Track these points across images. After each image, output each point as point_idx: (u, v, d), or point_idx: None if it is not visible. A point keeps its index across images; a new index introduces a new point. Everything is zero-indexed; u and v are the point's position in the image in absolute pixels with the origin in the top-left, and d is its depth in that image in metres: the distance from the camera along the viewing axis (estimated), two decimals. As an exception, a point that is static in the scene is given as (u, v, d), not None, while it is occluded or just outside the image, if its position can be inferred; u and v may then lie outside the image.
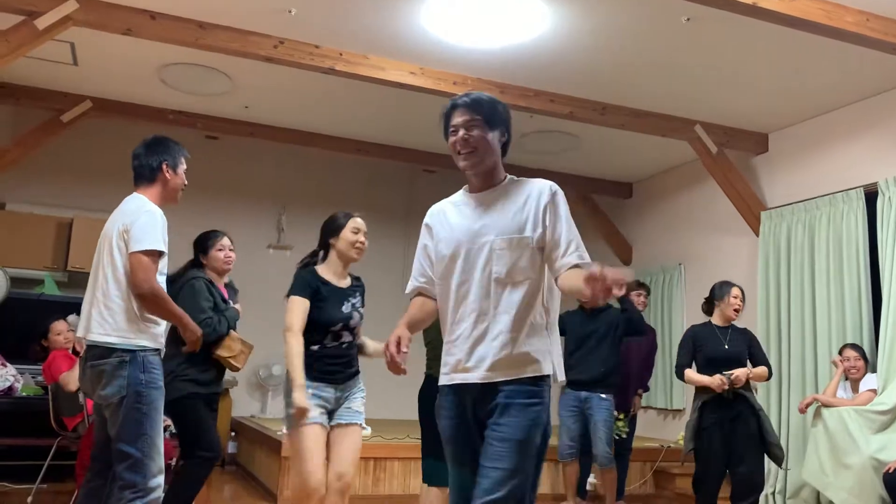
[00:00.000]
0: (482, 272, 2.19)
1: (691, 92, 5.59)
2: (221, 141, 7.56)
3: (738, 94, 5.59)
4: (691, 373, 4.36)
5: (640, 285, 5.72)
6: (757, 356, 4.42)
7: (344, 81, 5.42)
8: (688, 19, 4.50)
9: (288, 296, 3.13)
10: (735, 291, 4.46)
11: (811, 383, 5.56)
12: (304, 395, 2.98)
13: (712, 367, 4.27)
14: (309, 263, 3.27)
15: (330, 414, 3.15)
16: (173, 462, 4.50)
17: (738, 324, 4.53)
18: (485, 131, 2.24)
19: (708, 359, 4.31)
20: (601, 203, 8.28)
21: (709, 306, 4.56)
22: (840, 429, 4.68)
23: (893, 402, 4.71)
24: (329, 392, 3.14)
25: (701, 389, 4.33)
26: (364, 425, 3.23)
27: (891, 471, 4.39)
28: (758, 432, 4.20)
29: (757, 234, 6.23)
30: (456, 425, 2.21)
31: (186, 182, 3.21)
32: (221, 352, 3.66)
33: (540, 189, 2.26)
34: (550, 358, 2.19)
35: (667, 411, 7.26)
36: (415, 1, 4.47)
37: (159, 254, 2.95)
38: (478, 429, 2.16)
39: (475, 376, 2.15)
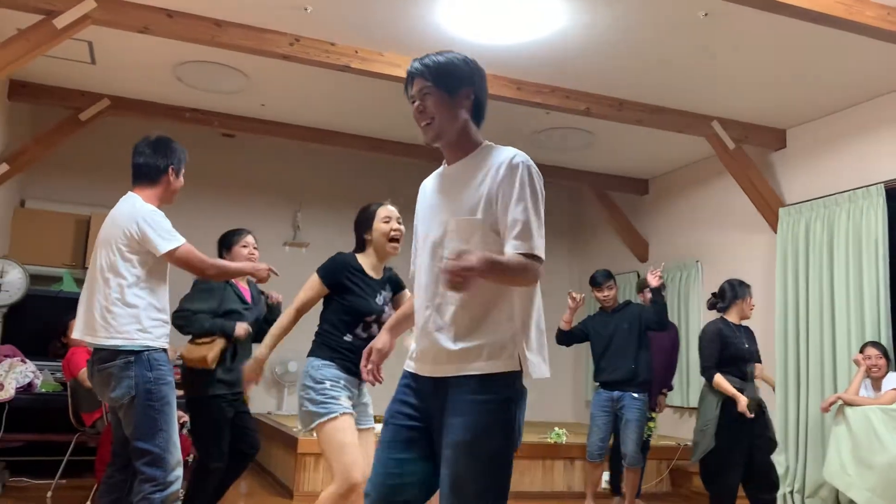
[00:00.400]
0: (434, 256, 1.98)
1: (708, 88, 5.55)
2: (237, 139, 7.59)
3: (755, 89, 5.54)
4: (721, 379, 4.32)
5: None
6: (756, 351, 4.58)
7: (359, 79, 5.42)
8: (705, 14, 4.46)
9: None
10: (752, 292, 4.62)
11: (830, 382, 5.51)
12: (260, 365, 3.05)
13: (734, 364, 4.35)
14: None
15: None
16: (190, 458, 4.53)
17: (761, 322, 4.83)
18: (440, 97, 1.99)
19: (731, 357, 4.35)
20: (618, 199, 8.24)
21: (724, 304, 4.55)
22: (865, 428, 4.62)
23: None
24: (354, 389, 3.02)
25: (712, 394, 4.38)
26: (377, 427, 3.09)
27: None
28: (765, 429, 4.34)
29: (775, 231, 6.18)
30: (396, 408, 2.01)
31: (182, 184, 3.20)
32: (185, 352, 3.70)
33: (500, 161, 1.96)
34: (516, 351, 1.91)
35: (683, 409, 7.22)
36: (430, -2, 4.46)
37: (186, 246, 2.98)
38: (425, 426, 1.96)
39: (426, 369, 1.97)
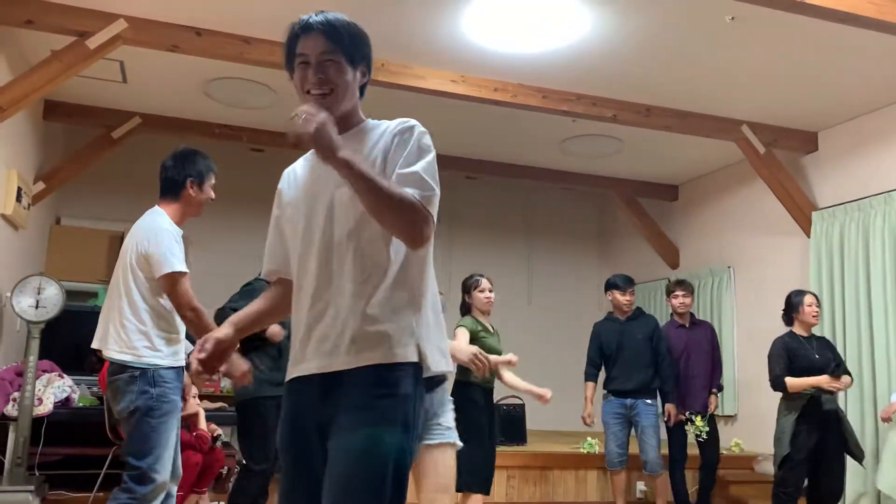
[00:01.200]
0: (322, 234, 1.76)
1: (737, 92, 5.49)
2: (266, 153, 7.66)
3: (785, 92, 5.48)
4: (793, 379, 4.41)
5: (678, 284, 5.51)
6: (841, 365, 4.51)
7: (386, 91, 5.46)
8: (732, 18, 4.42)
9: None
10: (808, 299, 4.60)
11: (869, 389, 5.39)
12: None
13: (816, 371, 4.39)
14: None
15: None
16: (225, 471, 4.57)
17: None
18: (345, 69, 1.80)
19: (802, 369, 4.41)
20: (647, 206, 8.17)
21: (787, 317, 4.68)
22: None
23: None
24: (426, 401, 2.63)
25: (794, 398, 4.42)
26: (457, 442, 2.70)
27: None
28: (842, 439, 4.35)
29: (808, 236, 6.08)
30: (289, 435, 1.76)
31: (213, 196, 3.16)
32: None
33: (390, 128, 1.81)
34: (416, 342, 1.70)
35: (719, 417, 7.11)
36: (455, 9, 4.48)
37: (185, 274, 2.95)
38: (319, 438, 1.69)
39: (312, 366, 1.72)
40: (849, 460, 4.54)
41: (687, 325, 5.48)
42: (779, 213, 6.35)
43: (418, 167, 1.71)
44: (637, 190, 8.00)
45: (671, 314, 5.63)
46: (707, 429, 5.25)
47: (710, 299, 7.28)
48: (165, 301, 2.97)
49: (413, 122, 1.82)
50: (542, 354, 8.48)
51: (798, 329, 4.61)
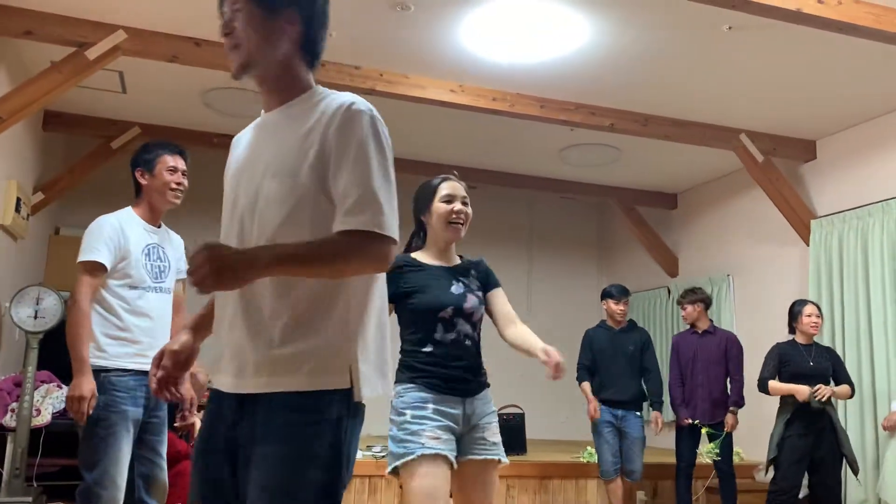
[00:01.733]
0: (241, 230, 1.54)
1: (735, 100, 5.51)
2: (265, 162, 7.67)
3: (783, 101, 5.49)
4: (776, 383, 4.60)
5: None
6: (840, 374, 4.60)
7: (385, 101, 5.47)
8: (729, 28, 4.44)
9: None
10: (808, 309, 4.69)
11: (868, 397, 5.38)
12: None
13: (796, 382, 4.51)
14: (407, 249, 2.64)
15: (458, 440, 2.39)
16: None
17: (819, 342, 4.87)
18: (253, 15, 1.52)
19: (792, 374, 4.55)
20: (646, 214, 8.18)
21: (790, 326, 4.81)
22: None
23: None
24: (456, 408, 2.41)
25: (785, 403, 4.57)
26: (504, 458, 2.49)
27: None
28: (837, 447, 4.40)
29: (807, 244, 6.08)
30: (204, 447, 1.56)
31: (174, 181, 2.92)
32: None
33: (335, 107, 1.50)
34: (347, 362, 1.46)
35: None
36: (453, 18, 4.50)
37: (99, 266, 2.75)
38: (230, 459, 1.49)
39: (228, 383, 1.52)
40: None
41: (699, 333, 5.42)
42: (778, 221, 6.35)
43: (367, 183, 1.44)
44: (636, 198, 8.01)
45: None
46: (717, 450, 5.19)
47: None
48: (112, 298, 2.82)
49: (360, 104, 1.51)
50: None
51: (799, 338, 4.72)
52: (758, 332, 6.65)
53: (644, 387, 5.21)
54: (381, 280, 1.58)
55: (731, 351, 5.31)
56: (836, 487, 4.46)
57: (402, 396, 2.40)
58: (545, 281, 8.89)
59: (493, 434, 2.47)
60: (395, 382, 2.45)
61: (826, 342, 5.76)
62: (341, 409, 1.46)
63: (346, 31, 4.67)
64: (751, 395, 6.80)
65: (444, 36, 4.70)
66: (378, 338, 1.55)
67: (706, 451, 5.21)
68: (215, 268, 1.31)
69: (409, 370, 2.45)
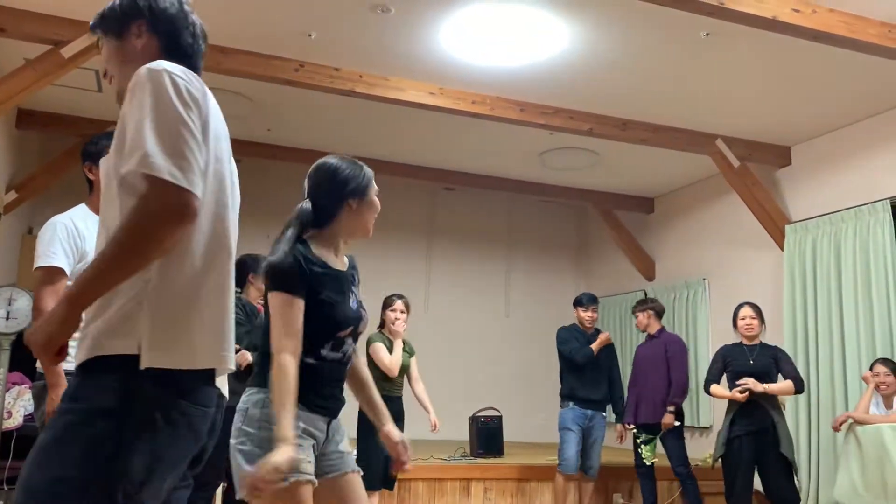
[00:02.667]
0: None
1: (712, 106, 5.57)
2: (244, 163, 7.60)
3: (759, 107, 5.56)
4: (716, 387, 4.79)
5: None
6: (784, 370, 4.66)
7: (365, 102, 5.46)
8: (707, 34, 4.49)
9: (273, 289, 2.07)
10: (742, 312, 4.80)
11: (840, 399, 5.46)
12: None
13: (735, 377, 4.66)
14: (295, 238, 2.18)
15: (316, 459, 2.13)
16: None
17: (770, 341, 4.90)
18: (110, 47, 1.61)
19: (735, 373, 4.68)
20: (623, 218, 8.24)
21: (734, 327, 4.94)
22: (876, 446, 4.58)
23: None
24: (321, 429, 2.14)
25: (731, 403, 4.70)
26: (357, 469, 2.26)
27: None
28: (777, 447, 4.49)
29: (782, 248, 6.16)
30: None
31: None
32: None
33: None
34: (136, 329, 1.34)
35: (693, 429, 7.16)
36: (433, 22, 4.50)
37: (58, 271, 2.62)
38: None
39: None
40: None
41: (644, 341, 5.65)
42: (753, 226, 6.43)
43: (139, 127, 1.33)
44: (614, 202, 8.07)
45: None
46: (650, 454, 5.41)
47: (685, 311, 7.34)
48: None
49: (145, 69, 1.41)
50: (519, 366, 8.50)
51: (743, 339, 4.82)
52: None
53: (610, 395, 5.47)
54: (222, 241, 1.53)
55: (669, 351, 5.44)
56: (786, 489, 4.51)
57: (264, 407, 2.02)
58: (523, 283, 8.92)
59: (347, 445, 2.26)
60: (254, 386, 2.10)
61: (800, 344, 5.85)
62: (123, 382, 1.31)
63: (325, 33, 4.66)
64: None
65: (424, 39, 4.70)
66: (184, 301, 1.40)
67: (643, 456, 5.39)
68: (37, 348, 1.31)
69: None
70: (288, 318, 2.02)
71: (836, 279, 5.65)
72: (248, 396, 2.08)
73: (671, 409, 5.34)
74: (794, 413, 5.75)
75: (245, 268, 4.13)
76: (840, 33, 4.12)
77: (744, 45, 4.60)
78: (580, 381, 5.34)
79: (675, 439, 5.36)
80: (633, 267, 8.16)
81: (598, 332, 5.58)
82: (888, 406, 4.89)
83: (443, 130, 6.28)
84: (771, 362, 4.68)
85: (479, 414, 6.39)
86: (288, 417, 1.91)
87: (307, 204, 2.25)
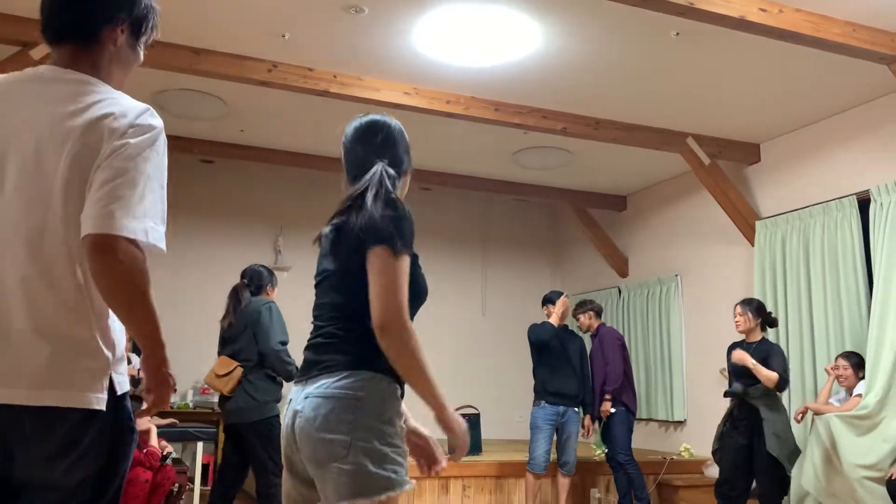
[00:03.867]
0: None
1: (682, 105, 5.65)
2: (217, 165, 7.59)
3: (728, 105, 5.65)
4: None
5: (579, 305, 5.89)
6: (771, 365, 4.72)
7: (339, 103, 5.47)
8: (677, 34, 4.56)
9: (389, 243, 1.73)
10: (735, 309, 4.97)
11: (811, 392, 5.57)
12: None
13: (734, 376, 4.84)
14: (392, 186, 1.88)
15: None
16: (176, 488, 4.50)
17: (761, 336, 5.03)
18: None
19: (731, 369, 4.88)
20: (597, 216, 8.32)
21: None
22: (828, 435, 4.73)
23: (872, 405, 4.73)
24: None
25: (729, 400, 4.87)
26: None
27: (893, 477, 4.41)
28: (763, 442, 4.57)
29: (752, 244, 6.26)
30: None
31: None
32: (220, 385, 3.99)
33: (109, 124, 1.52)
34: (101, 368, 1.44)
35: (668, 423, 7.26)
36: (407, 22, 4.52)
37: None
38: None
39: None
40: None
41: (591, 340, 5.95)
42: (724, 222, 6.53)
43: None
44: (587, 201, 8.14)
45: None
46: (599, 450, 5.76)
47: (658, 308, 7.43)
48: None
49: (147, 119, 1.54)
50: (496, 364, 8.54)
51: (740, 335, 4.98)
52: (705, 331, 6.83)
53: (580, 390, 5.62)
54: None
55: (603, 344, 5.76)
56: (768, 483, 4.61)
57: (386, 400, 1.73)
58: (499, 282, 8.97)
59: None
60: (372, 369, 1.73)
61: (771, 339, 5.94)
62: (94, 431, 1.45)
63: (298, 34, 4.66)
64: (698, 394, 6.98)
65: (398, 39, 4.72)
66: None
67: (594, 450, 5.69)
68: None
69: (381, 357, 1.72)
70: (406, 282, 1.73)
71: (805, 274, 5.76)
72: (351, 381, 1.70)
73: (607, 397, 5.63)
74: (765, 406, 5.86)
75: (262, 278, 4.50)
76: (806, 32, 4.21)
77: (713, 44, 4.67)
78: (552, 376, 5.45)
79: (616, 426, 5.59)
80: (607, 264, 8.25)
81: (567, 327, 5.67)
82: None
83: (418, 130, 6.28)
84: (760, 358, 4.74)
85: (457, 412, 6.42)
86: (440, 389, 1.72)
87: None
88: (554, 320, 5.52)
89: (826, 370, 5.20)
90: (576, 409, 5.50)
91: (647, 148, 6.23)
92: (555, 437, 5.52)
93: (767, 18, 4.09)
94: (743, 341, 4.93)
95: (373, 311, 1.69)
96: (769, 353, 4.77)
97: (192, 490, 5.87)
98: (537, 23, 4.50)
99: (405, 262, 1.73)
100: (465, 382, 8.16)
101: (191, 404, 6.91)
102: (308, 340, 1.87)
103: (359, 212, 1.78)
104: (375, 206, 1.76)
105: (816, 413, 4.89)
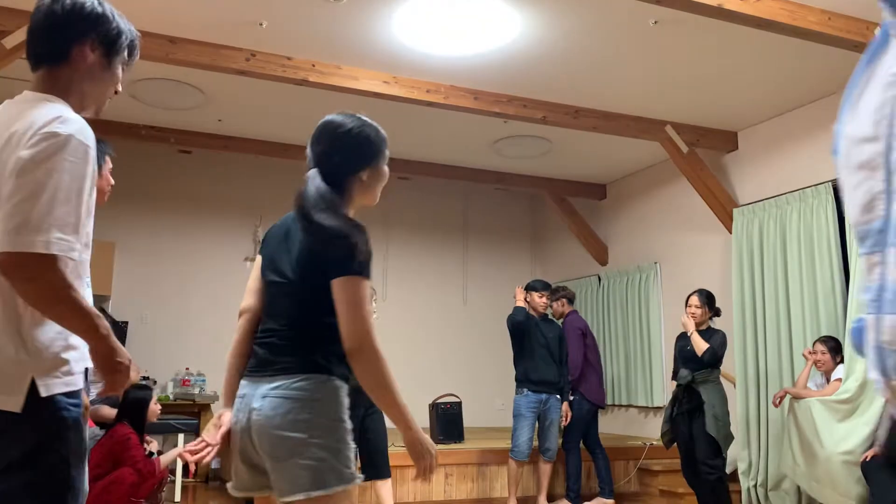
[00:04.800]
0: None
1: (661, 93, 5.67)
2: (195, 155, 7.52)
3: (706, 93, 5.69)
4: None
5: (545, 287, 5.89)
6: (709, 342, 4.90)
7: (317, 92, 5.43)
8: (655, 22, 4.57)
9: (354, 272, 1.82)
10: (689, 300, 5.09)
11: (788, 377, 5.65)
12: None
13: (680, 360, 5.01)
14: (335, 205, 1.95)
15: None
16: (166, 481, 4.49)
17: (720, 321, 5.21)
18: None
19: (679, 356, 5.04)
20: (577, 205, 8.35)
21: None
22: (808, 420, 4.81)
23: (854, 390, 4.80)
24: None
25: (675, 385, 5.01)
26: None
27: (867, 458, 4.49)
28: (703, 423, 4.74)
29: (730, 232, 6.32)
30: None
31: (112, 182, 2.74)
32: None
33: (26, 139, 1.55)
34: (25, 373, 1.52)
35: (648, 409, 7.33)
36: (386, 10, 4.50)
37: None
38: None
39: None
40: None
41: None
42: (702, 210, 6.58)
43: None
44: (567, 189, 8.17)
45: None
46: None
47: (637, 295, 7.49)
48: None
49: (54, 128, 1.53)
50: (478, 352, 8.57)
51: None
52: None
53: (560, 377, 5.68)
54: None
55: (567, 331, 5.93)
56: (703, 465, 4.72)
57: (337, 396, 1.85)
58: (480, 270, 8.99)
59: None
60: (325, 373, 1.85)
61: (748, 324, 6.02)
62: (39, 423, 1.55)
63: (276, 22, 4.62)
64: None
65: (377, 27, 4.70)
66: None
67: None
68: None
69: (340, 362, 1.86)
70: (367, 305, 1.83)
71: (782, 260, 5.82)
72: (308, 384, 1.81)
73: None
74: (743, 390, 5.93)
75: None
76: (783, 20, 4.24)
77: (691, 32, 4.70)
78: (533, 365, 5.51)
79: (571, 414, 5.73)
80: (587, 252, 8.29)
81: (546, 316, 5.71)
82: (829, 382, 5.09)
83: (397, 119, 6.28)
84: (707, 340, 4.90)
85: (439, 400, 6.45)
86: (408, 410, 1.83)
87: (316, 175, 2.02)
88: (520, 305, 5.58)
89: (804, 355, 5.27)
90: (557, 397, 5.59)
91: (625, 136, 6.26)
92: (537, 425, 5.56)
93: (745, 7, 4.12)
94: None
95: (344, 335, 1.79)
96: (713, 335, 4.96)
97: (173, 482, 5.85)
98: (516, 11, 4.50)
99: (365, 285, 1.84)
100: (447, 370, 8.19)
101: (171, 396, 6.87)
102: (260, 337, 1.96)
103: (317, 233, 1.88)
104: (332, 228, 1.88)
105: (795, 397, 4.96)
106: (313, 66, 5.13)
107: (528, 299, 5.69)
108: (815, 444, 4.71)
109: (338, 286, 1.81)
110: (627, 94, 5.70)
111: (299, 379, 1.82)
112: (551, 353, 5.60)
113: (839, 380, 4.99)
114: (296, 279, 1.90)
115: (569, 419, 5.70)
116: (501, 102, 5.68)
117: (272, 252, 2.00)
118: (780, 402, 5.09)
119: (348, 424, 1.84)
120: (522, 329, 5.55)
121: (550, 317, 5.97)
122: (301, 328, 1.89)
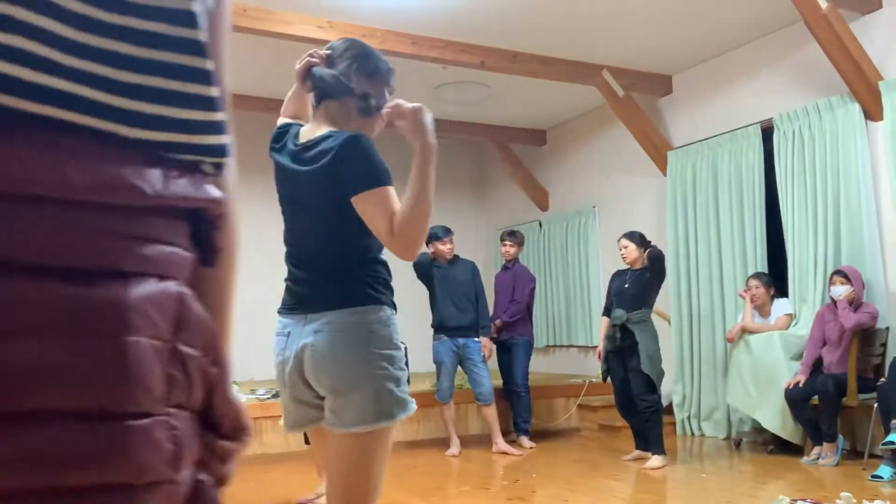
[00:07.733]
0: None
1: (597, 37, 5.72)
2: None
3: (641, 37, 5.75)
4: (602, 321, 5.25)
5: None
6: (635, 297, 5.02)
7: (249, 38, 5.32)
8: (589, -35, 4.59)
9: (378, 184, 1.92)
10: (620, 242, 5.15)
11: (719, 315, 5.88)
12: None
13: (615, 300, 5.06)
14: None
15: None
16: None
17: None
18: None
19: (613, 295, 5.11)
20: (518, 151, 8.41)
21: None
22: (766, 352, 5.00)
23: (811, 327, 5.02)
24: None
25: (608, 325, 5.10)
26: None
27: (790, 387, 4.75)
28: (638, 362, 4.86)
29: (665, 174, 6.47)
30: None
31: None
32: None
33: None
34: None
35: (587, 348, 7.55)
36: (317, -48, 4.41)
37: None
38: None
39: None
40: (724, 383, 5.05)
41: (502, 270, 6.20)
42: (638, 153, 6.71)
43: None
44: (508, 136, 8.21)
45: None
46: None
47: (577, 239, 7.64)
48: None
49: None
50: (421, 303, 8.63)
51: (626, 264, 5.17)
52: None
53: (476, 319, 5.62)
54: None
55: (517, 279, 6.00)
56: (638, 399, 4.86)
57: (390, 324, 1.85)
58: (423, 219, 9.01)
59: None
60: (375, 303, 1.84)
61: (682, 266, 6.22)
62: None
63: (205, -36, 4.49)
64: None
65: (309, -30, 4.60)
66: None
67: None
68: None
69: (387, 288, 1.90)
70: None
71: (713, 201, 6.00)
72: (362, 316, 1.80)
73: (497, 323, 5.84)
74: (678, 327, 6.16)
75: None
76: (711, -37, 4.30)
77: (624, -25, 4.73)
78: (447, 311, 5.50)
79: (519, 356, 5.84)
80: (529, 198, 8.39)
81: (458, 257, 5.71)
82: (764, 316, 5.31)
83: (334, 66, 6.21)
84: (640, 284, 4.99)
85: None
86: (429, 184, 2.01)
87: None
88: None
89: (740, 295, 5.45)
90: (476, 339, 5.51)
91: (563, 81, 6.30)
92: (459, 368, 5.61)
93: (674, -51, 4.16)
94: (623, 270, 5.16)
95: (379, 237, 1.85)
96: (653, 263, 5.04)
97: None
98: (450, -47, 4.46)
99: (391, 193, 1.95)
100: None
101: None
102: (295, 270, 1.94)
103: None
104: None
105: (750, 332, 5.15)
106: (244, 11, 5.01)
107: (431, 249, 5.57)
108: (776, 377, 4.90)
109: (359, 200, 1.87)
110: (564, 39, 5.73)
111: (351, 311, 1.80)
112: (466, 295, 5.54)
113: (789, 315, 5.22)
114: (325, 206, 1.92)
115: (490, 354, 5.63)
116: (439, 47, 5.66)
117: (289, 171, 2.08)
118: (734, 338, 5.23)
119: (403, 352, 1.86)
120: (423, 272, 5.53)
121: (464, 258, 5.87)
122: (341, 259, 1.88)
